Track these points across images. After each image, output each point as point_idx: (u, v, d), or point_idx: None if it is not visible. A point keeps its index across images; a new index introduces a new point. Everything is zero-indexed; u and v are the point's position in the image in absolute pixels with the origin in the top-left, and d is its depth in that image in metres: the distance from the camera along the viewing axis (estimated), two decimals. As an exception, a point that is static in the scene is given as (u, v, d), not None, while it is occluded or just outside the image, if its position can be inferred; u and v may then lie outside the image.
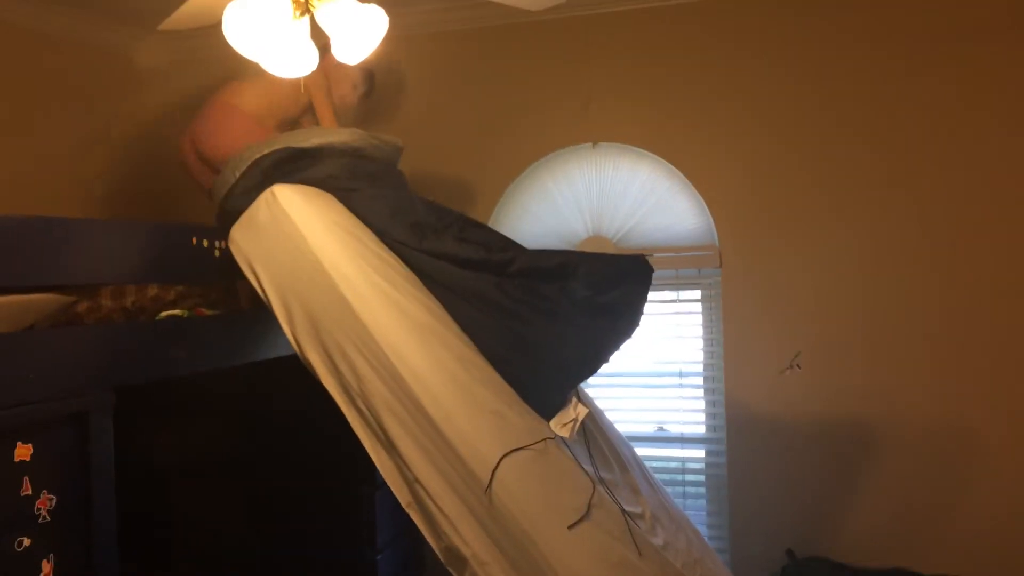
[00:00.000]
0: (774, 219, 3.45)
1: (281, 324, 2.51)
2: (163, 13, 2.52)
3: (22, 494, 1.92)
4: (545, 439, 2.27)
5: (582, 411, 2.47)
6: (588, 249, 3.65)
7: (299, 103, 3.29)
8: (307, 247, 2.47)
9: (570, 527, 2.13)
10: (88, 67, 3.83)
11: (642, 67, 3.58)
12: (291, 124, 3.34)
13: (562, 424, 2.40)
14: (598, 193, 3.70)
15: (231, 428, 3.38)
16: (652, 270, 2.51)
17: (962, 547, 3.22)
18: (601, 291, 2.47)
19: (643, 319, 2.52)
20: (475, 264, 2.52)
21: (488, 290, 2.49)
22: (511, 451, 2.18)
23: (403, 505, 2.33)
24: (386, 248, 2.57)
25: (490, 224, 3.73)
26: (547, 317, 2.47)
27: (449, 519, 2.20)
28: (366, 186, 2.66)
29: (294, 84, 3.03)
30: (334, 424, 2.48)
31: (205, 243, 2.63)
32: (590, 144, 3.68)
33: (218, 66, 3.32)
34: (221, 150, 3.04)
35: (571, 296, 2.46)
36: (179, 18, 2.48)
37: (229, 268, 2.63)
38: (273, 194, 2.58)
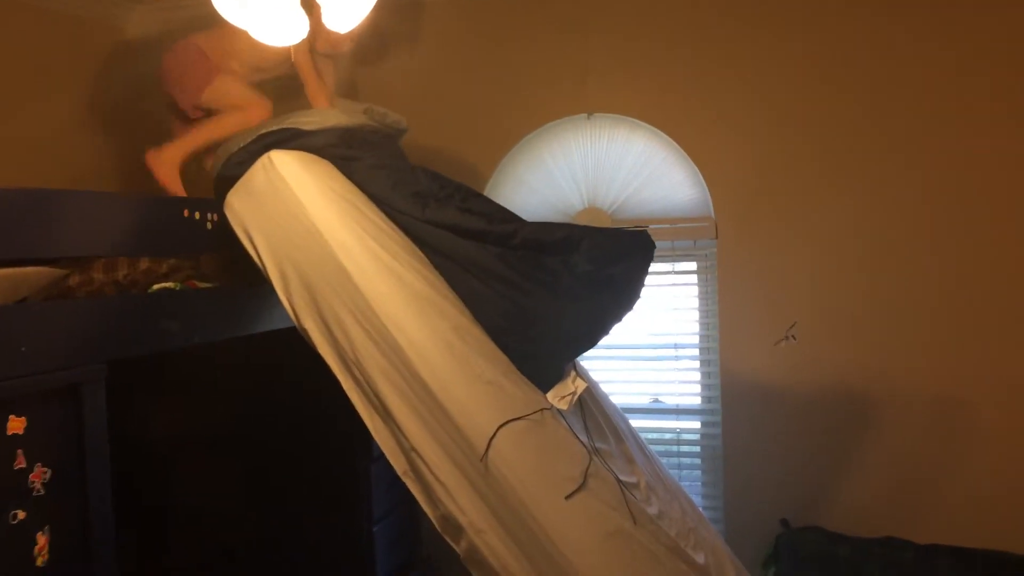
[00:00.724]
0: (770, 190, 3.43)
1: (277, 291, 2.51)
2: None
3: (16, 467, 1.92)
4: (542, 409, 2.28)
5: (580, 385, 2.47)
6: (584, 220, 3.64)
7: (273, 66, 3.18)
8: (304, 214, 2.46)
9: (567, 497, 2.14)
10: (76, 39, 3.77)
11: (638, 38, 3.55)
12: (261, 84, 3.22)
13: (560, 397, 2.41)
14: (594, 164, 3.68)
15: (227, 401, 3.38)
16: (654, 245, 2.52)
17: (955, 517, 3.25)
18: (603, 265, 2.47)
19: (642, 293, 2.52)
20: (477, 235, 2.51)
21: (490, 261, 2.48)
22: (508, 421, 2.19)
23: (399, 473, 2.34)
24: (384, 217, 2.56)
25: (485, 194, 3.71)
26: (548, 289, 2.46)
27: (446, 487, 2.21)
28: (366, 155, 2.65)
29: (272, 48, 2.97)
30: (330, 396, 2.48)
31: (197, 215, 2.62)
32: (585, 115, 3.65)
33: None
34: (186, 92, 3.04)
35: (573, 269, 2.46)
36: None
37: (222, 240, 2.62)
38: (270, 159, 2.57)
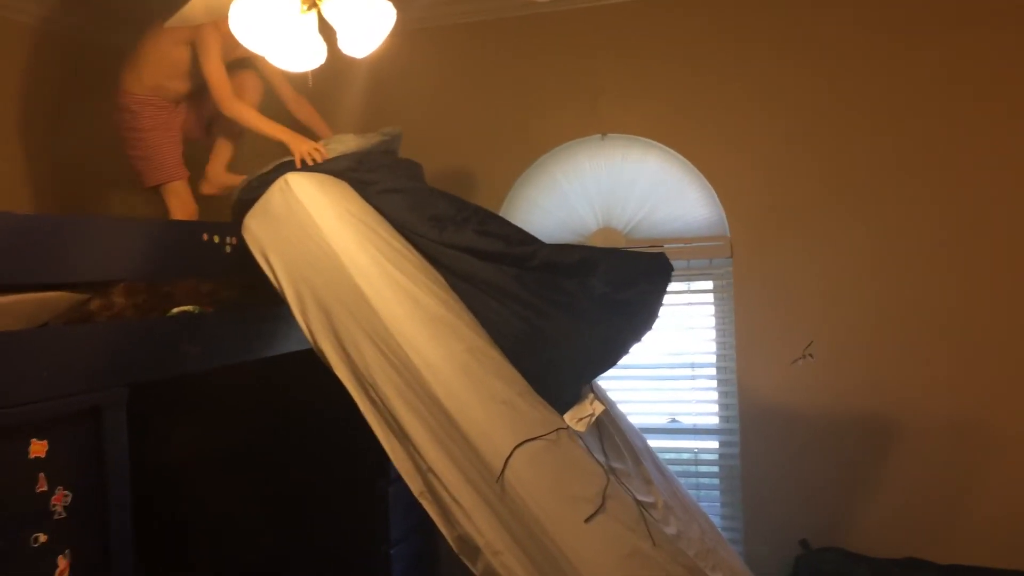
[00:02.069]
0: (785, 208, 3.43)
1: (294, 313, 2.52)
2: (171, 7, 2.52)
3: (38, 491, 1.93)
4: (558, 429, 2.28)
5: (598, 407, 2.47)
6: (598, 240, 3.65)
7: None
8: (320, 235, 2.48)
9: (586, 520, 2.13)
10: (99, 67, 3.83)
11: (650, 58, 3.57)
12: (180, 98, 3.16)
13: (577, 419, 2.41)
14: (607, 185, 3.69)
15: (245, 423, 3.40)
16: (671, 268, 2.52)
17: (977, 537, 3.21)
18: (620, 287, 2.48)
19: (660, 315, 2.52)
20: (495, 257, 2.53)
21: (507, 282, 2.50)
22: (524, 441, 2.19)
23: (416, 494, 2.34)
24: (400, 238, 2.58)
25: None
26: (566, 311, 2.47)
27: (462, 508, 2.21)
28: (383, 178, 2.68)
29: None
30: (347, 418, 2.49)
31: (216, 239, 2.64)
32: (599, 136, 3.67)
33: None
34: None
35: (591, 292, 2.47)
36: (186, 14, 2.48)
37: (240, 264, 2.64)
38: (287, 182, 2.60)
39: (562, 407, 2.41)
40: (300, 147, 2.71)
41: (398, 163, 2.86)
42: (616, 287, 2.46)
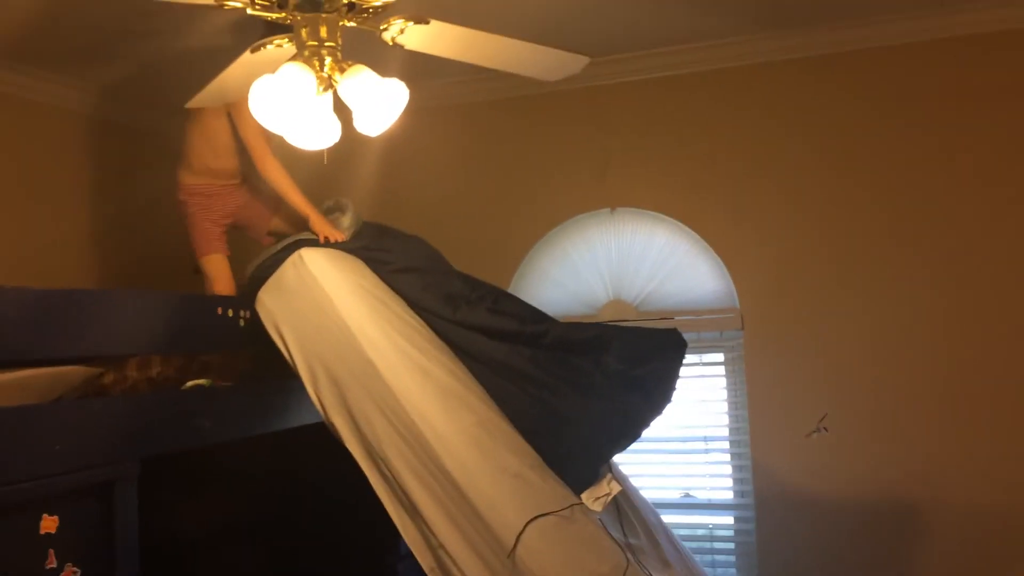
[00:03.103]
0: (795, 280, 3.44)
1: (306, 386, 2.53)
2: (191, 90, 2.60)
3: (47, 567, 1.92)
4: (572, 505, 2.25)
5: (615, 487, 2.45)
6: (609, 312, 3.67)
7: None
8: (333, 309, 2.51)
9: None
10: (119, 145, 3.95)
11: (658, 134, 3.64)
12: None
13: (595, 498, 2.39)
14: (618, 257, 3.72)
15: (255, 497, 3.36)
16: (686, 345, 2.53)
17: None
18: (634, 365, 2.49)
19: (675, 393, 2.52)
20: (509, 336, 2.55)
21: (522, 363, 2.51)
22: (537, 516, 2.16)
23: (426, 571, 2.31)
24: (411, 312, 2.60)
25: (510, 289, 3.76)
26: (580, 390, 2.48)
27: (474, 585, 2.17)
28: (397, 256, 2.72)
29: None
30: (358, 493, 2.47)
31: (230, 312, 2.66)
32: (608, 209, 3.72)
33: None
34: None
35: (604, 369, 2.47)
36: (207, 96, 2.55)
37: (254, 337, 2.66)
38: (301, 257, 2.64)
39: (580, 487, 2.38)
40: (323, 228, 2.76)
41: (411, 240, 2.90)
42: (630, 364, 2.47)
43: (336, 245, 2.71)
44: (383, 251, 2.73)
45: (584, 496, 2.36)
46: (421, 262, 2.77)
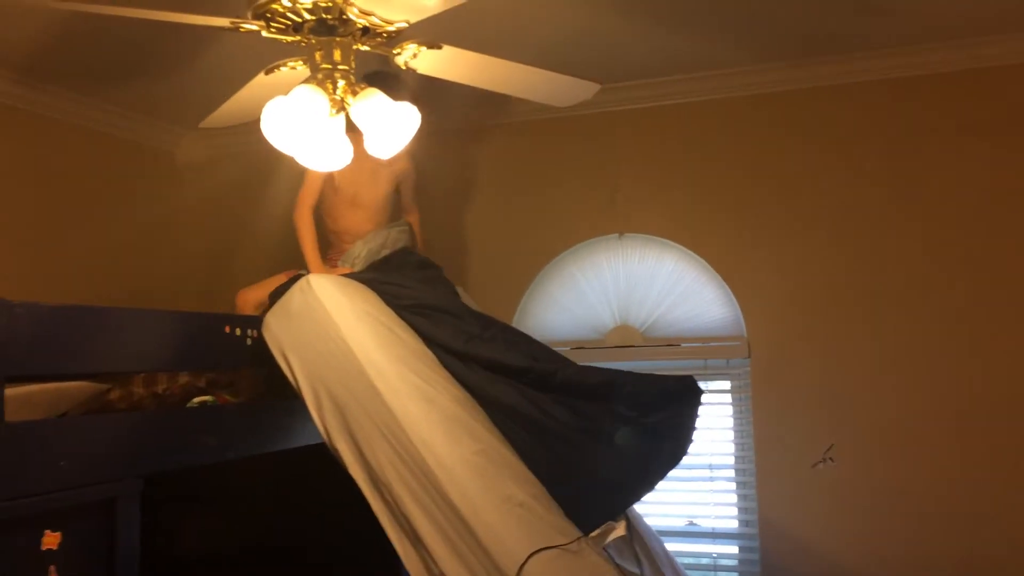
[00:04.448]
0: (803, 308, 3.44)
1: (310, 411, 2.52)
2: (205, 110, 2.62)
3: (48, 584, 1.91)
4: (579, 538, 2.23)
5: (622, 529, 2.41)
6: (615, 338, 3.66)
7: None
8: (338, 334, 2.51)
9: None
10: (132, 163, 3.99)
11: (668, 161, 3.65)
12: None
13: (602, 535, 2.37)
14: (625, 283, 3.72)
15: (256, 517, 3.35)
16: (701, 392, 2.47)
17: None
18: (647, 413, 2.44)
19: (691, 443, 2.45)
20: (518, 372, 2.53)
21: (531, 409, 2.49)
22: (540, 549, 2.13)
23: (428, 600, 2.29)
24: (418, 339, 2.60)
25: (517, 313, 3.77)
26: (592, 438, 2.44)
27: (476, 616, 2.15)
28: (410, 292, 2.74)
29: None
30: (359, 516, 2.45)
31: (238, 331, 2.67)
32: (616, 235, 3.72)
33: (251, 160, 3.46)
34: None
35: (615, 416, 2.44)
36: (220, 116, 2.58)
37: (261, 356, 2.66)
38: (308, 282, 2.64)
39: (588, 529, 2.35)
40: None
41: (422, 270, 2.91)
42: (642, 411, 2.43)
43: (351, 275, 2.73)
44: (394, 284, 2.75)
45: (593, 535, 2.34)
46: (433, 299, 2.77)
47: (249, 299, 3.07)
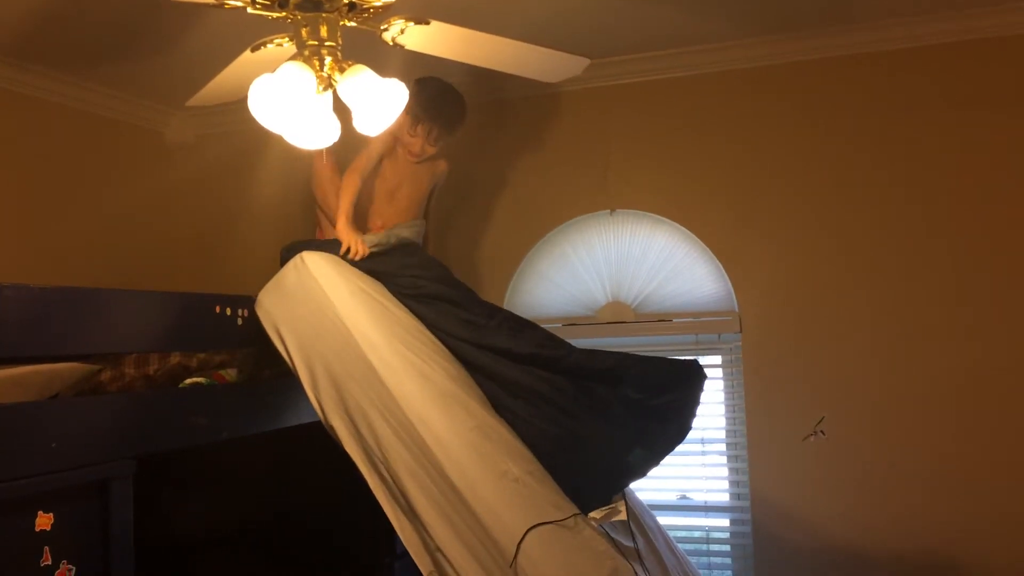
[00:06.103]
0: (794, 283, 3.44)
1: (305, 388, 2.53)
2: (192, 89, 2.60)
3: (42, 564, 1.92)
4: (575, 514, 2.24)
5: (621, 510, 2.45)
6: (607, 314, 3.67)
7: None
8: (333, 311, 2.51)
9: None
10: (121, 143, 3.96)
11: (659, 136, 3.63)
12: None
13: (600, 514, 2.40)
14: (616, 259, 3.72)
15: (251, 496, 3.36)
16: (705, 376, 2.55)
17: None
18: (652, 395, 2.51)
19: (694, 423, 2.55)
20: (526, 359, 2.56)
21: (539, 384, 2.52)
22: (537, 524, 2.15)
23: (424, 574, 2.30)
24: (411, 315, 2.61)
25: (508, 290, 3.77)
26: (599, 417, 2.50)
27: (471, 590, 2.17)
28: (412, 281, 2.73)
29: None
30: (355, 492, 2.47)
31: (228, 311, 2.67)
32: (608, 211, 3.72)
33: (240, 139, 3.44)
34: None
35: (622, 399, 2.50)
36: (207, 94, 2.56)
37: (252, 335, 2.66)
38: (302, 259, 2.64)
39: (590, 509, 2.39)
40: (348, 237, 2.75)
41: (433, 263, 2.91)
42: (648, 394, 2.50)
43: (356, 264, 2.71)
44: (404, 276, 2.75)
45: (591, 515, 2.36)
46: (437, 288, 2.76)
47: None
